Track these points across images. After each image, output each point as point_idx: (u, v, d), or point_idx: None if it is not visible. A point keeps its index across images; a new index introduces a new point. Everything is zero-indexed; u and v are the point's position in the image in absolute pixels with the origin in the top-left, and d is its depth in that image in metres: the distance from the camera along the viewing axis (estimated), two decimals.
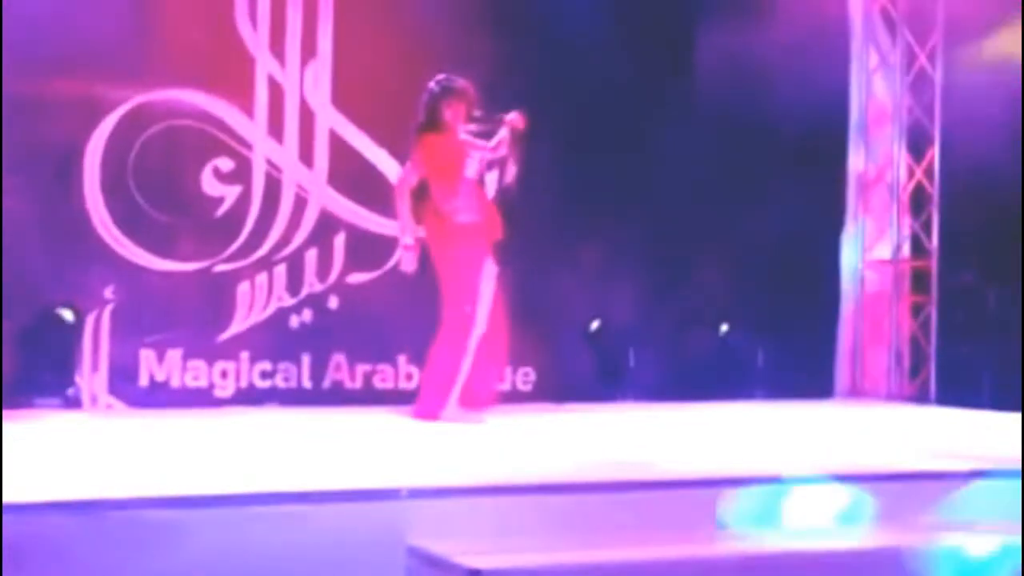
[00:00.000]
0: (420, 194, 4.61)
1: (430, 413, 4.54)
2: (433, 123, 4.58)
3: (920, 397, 5.95)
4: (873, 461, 3.91)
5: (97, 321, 4.95)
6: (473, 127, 4.62)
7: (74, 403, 4.91)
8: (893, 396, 6.01)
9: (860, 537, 3.30)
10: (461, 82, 4.58)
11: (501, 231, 4.64)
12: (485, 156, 4.63)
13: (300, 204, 5.26)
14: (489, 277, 4.55)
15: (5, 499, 2.82)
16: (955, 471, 3.68)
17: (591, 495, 3.30)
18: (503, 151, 4.65)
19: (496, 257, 4.63)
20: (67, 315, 4.87)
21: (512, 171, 4.67)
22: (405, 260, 4.60)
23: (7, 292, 4.74)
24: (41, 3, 4.71)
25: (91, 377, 4.96)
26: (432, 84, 4.59)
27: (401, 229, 4.63)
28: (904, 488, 3.55)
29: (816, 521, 3.36)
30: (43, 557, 2.80)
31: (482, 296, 4.53)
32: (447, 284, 4.54)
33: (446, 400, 4.56)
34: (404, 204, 4.60)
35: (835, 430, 4.84)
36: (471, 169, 4.58)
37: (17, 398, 4.74)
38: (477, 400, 4.63)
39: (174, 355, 5.05)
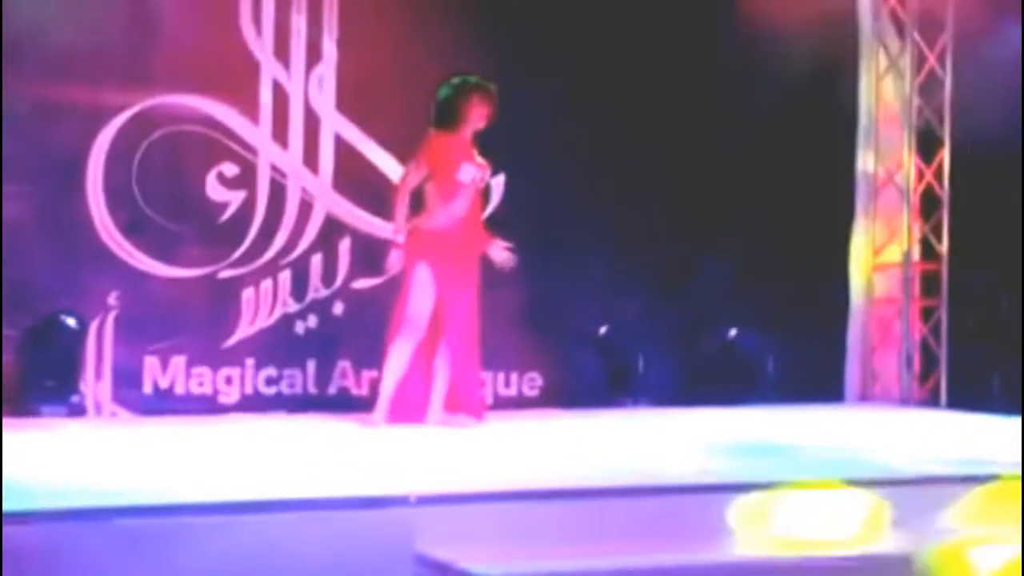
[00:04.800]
0: (417, 194, 4.60)
1: (371, 418, 4.54)
2: (451, 120, 4.55)
3: (931, 401, 5.91)
4: (883, 466, 3.86)
5: (101, 328, 4.93)
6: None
7: (79, 411, 4.87)
8: (903, 400, 5.97)
9: (868, 543, 3.26)
10: (491, 85, 4.55)
11: (485, 245, 4.62)
12: (481, 173, 4.60)
13: (305, 209, 5.23)
14: (426, 280, 4.50)
15: (8, 508, 2.79)
16: (964, 475, 3.64)
17: (600, 501, 3.28)
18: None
19: (477, 268, 4.61)
20: (71, 322, 4.84)
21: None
22: (393, 259, 4.57)
23: (12, 299, 4.72)
24: (45, 8, 4.70)
25: (95, 384, 4.93)
26: (461, 80, 4.55)
27: (396, 228, 4.61)
28: (914, 493, 3.52)
29: (825, 527, 3.31)
30: (46, 567, 2.77)
31: (415, 299, 4.50)
32: (403, 284, 4.57)
33: (379, 401, 4.56)
34: (403, 202, 4.57)
35: (845, 435, 4.80)
36: (467, 174, 4.54)
37: (22, 406, 4.72)
38: (463, 406, 4.62)
39: (178, 362, 5.02)
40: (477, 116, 4.55)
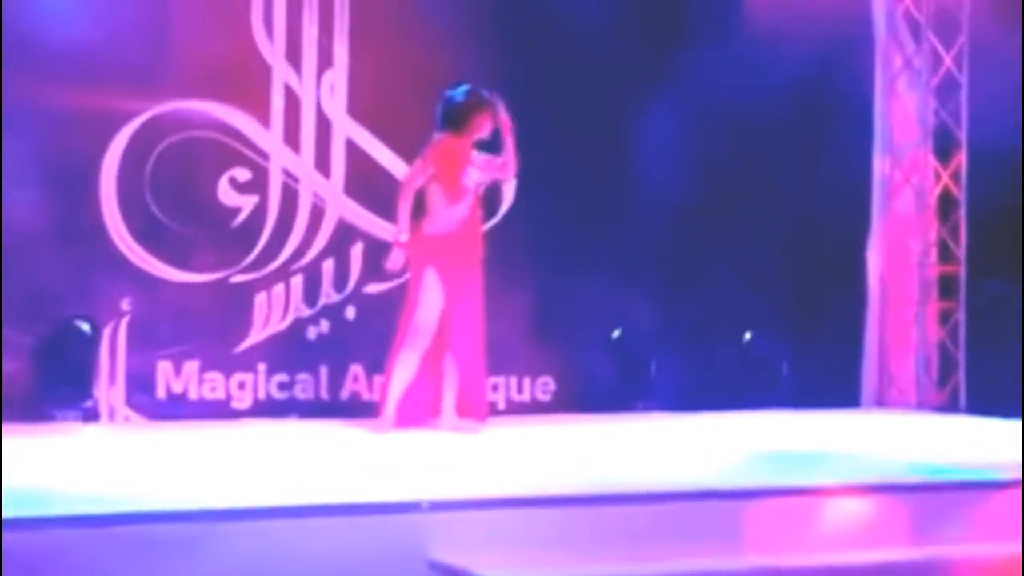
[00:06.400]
0: (417, 198, 4.60)
1: (379, 423, 4.55)
2: (460, 126, 4.57)
3: (949, 406, 5.84)
4: (900, 472, 3.82)
5: (114, 333, 4.94)
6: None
7: (92, 415, 4.88)
8: (921, 405, 5.90)
9: (886, 549, 3.22)
10: (501, 101, 4.61)
11: (482, 248, 4.63)
12: (485, 178, 4.63)
13: (317, 214, 5.23)
14: (433, 287, 4.50)
15: (19, 513, 2.78)
16: (983, 481, 3.59)
17: (614, 507, 3.26)
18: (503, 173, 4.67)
19: (481, 272, 4.61)
20: (85, 327, 4.85)
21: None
22: (393, 257, 4.57)
23: (26, 305, 4.74)
24: (57, 15, 4.71)
25: (109, 389, 4.93)
26: (474, 89, 4.58)
27: (399, 227, 4.60)
28: (932, 499, 3.47)
29: (842, 533, 3.28)
30: (56, 574, 2.75)
31: (423, 306, 4.50)
32: (410, 289, 4.58)
33: (386, 406, 4.56)
34: (407, 202, 4.58)
35: (861, 440, 4.75)
36: (471, 179, 4.57)
37: (36, 411, 4.73)
38: (472, 409, 4.62)
39: (191, 367, 5.02)
40: (485, 127, 4.60)
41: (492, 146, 4.70)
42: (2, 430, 3.92)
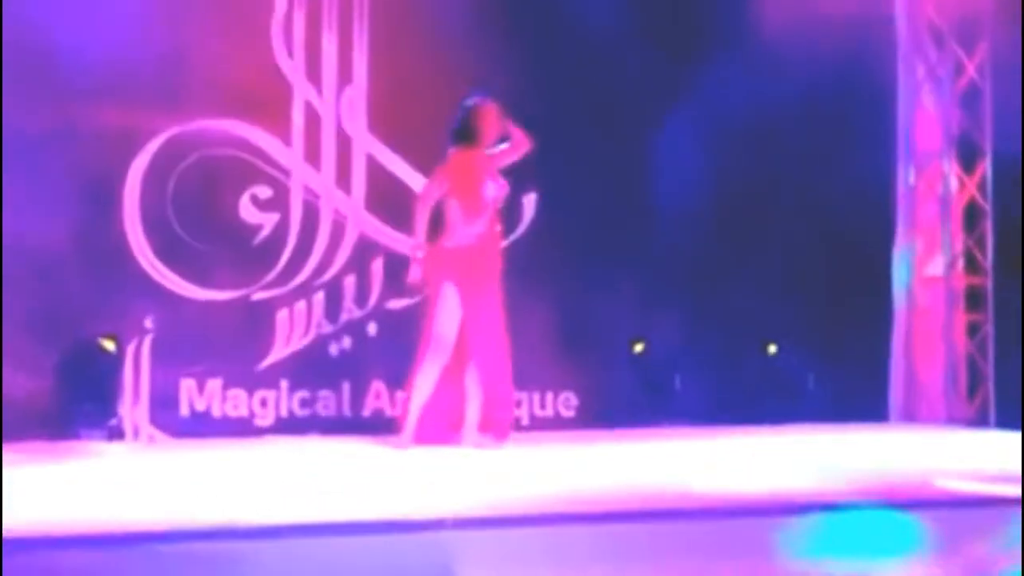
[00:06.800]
0: (438, 210, 4.61)
1: (400, 440, 4.54)
2: (470, 138, 4.60)
3: (979, 420, 5.75)
4: (929, 487, 3.75)
5: (137, 351, 4.95)
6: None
7: (117, 434, 4.89)
8: (950, 419, 5.81)
9: (915, 567, 3.16)
10: (497, 105, 4.61)
11: (500, 262, 4.62)
12: (501, 194, 4.63)
13: (338, 230, 5.24)
14: (452, 300, 4.48)
15: (42, 532, 2.77)
16: (1014, 497, 3.53)
17: (640, 524, 3.21)
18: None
19: (501, 285, 4.60)
20: (108, 345, 4.87)
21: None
22: (413, 272, 4.57)
23: (49, 324, 4.76)
24: (78, 34, 4.75)
25: (133, 408, 4.94)
26: (474, 99, 4.60)
27: (415, 243, 4.60)
28: (962, 516, 3.41)
29: (869, 550, 3.22)
30: None
31: (441, 319, 4.48)
32: (429, 304, 4.58)
33: (407, 422, 4.55)
34: (423, 215, 4.58)
35: (889, 455, 4.68)
36: (490, 193, 4.57)
37: (60, 430, 4.74)
38: (493, 426, 4.60)
39: (214, 384, 5.03)
40: (494, 129, 4.61)
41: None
42: (2, 448, 3.92)
